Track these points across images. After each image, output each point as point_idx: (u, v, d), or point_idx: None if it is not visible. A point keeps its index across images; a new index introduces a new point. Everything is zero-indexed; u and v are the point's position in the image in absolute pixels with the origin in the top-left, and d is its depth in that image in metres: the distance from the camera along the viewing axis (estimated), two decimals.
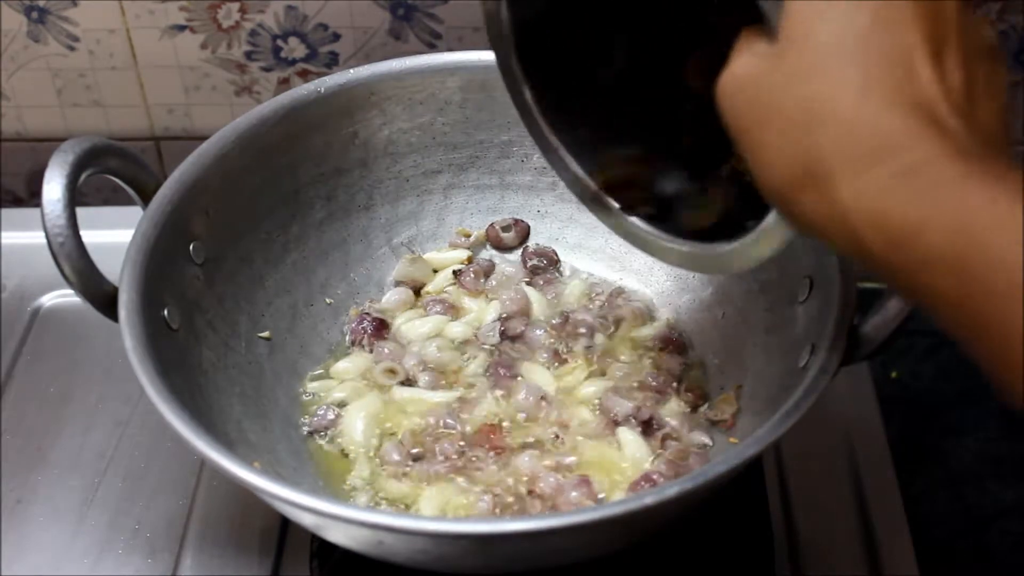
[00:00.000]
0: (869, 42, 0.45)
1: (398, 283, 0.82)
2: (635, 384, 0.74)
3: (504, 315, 0.79)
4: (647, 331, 0.78)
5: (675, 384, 0.75)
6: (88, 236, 0.65)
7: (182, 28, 0.93)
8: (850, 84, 0.45)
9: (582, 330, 0.77)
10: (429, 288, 0.82)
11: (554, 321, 0.78)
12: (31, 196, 1.03)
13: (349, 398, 0.75)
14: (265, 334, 0.75)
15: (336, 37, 0.93)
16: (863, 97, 0.45)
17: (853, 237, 0.45)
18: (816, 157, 0.46)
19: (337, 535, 0.62)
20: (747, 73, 0.48)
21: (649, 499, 0.55)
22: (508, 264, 0.83)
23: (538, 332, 0.77)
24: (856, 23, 0.45)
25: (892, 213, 0.44)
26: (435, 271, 0.83)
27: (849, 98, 0.45)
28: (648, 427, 0.72)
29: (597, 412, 0.73)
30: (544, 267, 0.82)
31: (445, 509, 0.68)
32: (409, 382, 0.76)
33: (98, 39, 0.94)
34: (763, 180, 0.48)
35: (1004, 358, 0.42)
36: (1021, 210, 0.41)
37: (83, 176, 0.66)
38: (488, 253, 0.84)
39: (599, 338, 0.77)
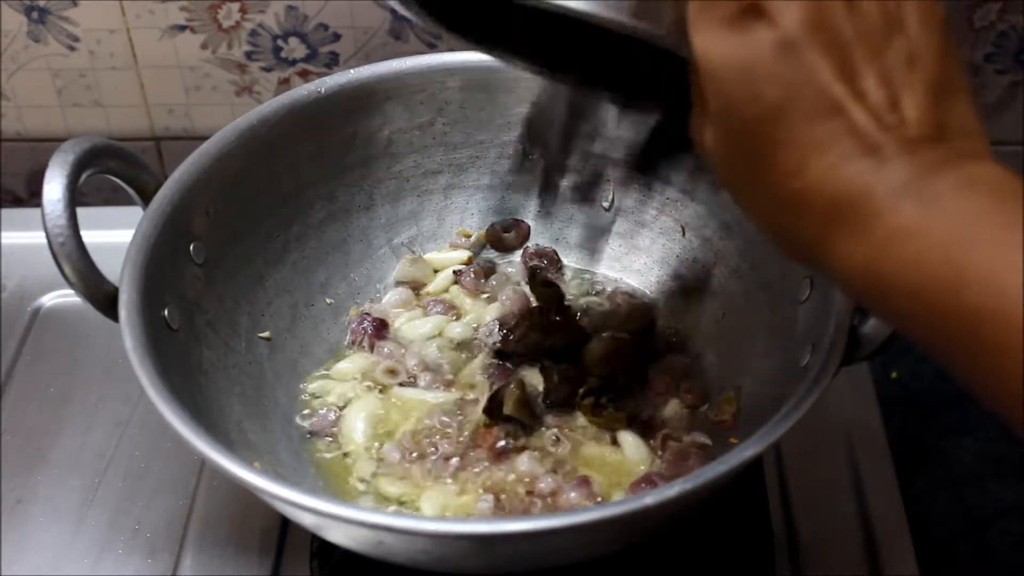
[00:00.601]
0: (786, 111, 0.44)
1: (398, 283, 0.82)
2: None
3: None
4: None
5: (675, 384, 0.75)
6: (88, 236, 0.65)
7: (182, 28, 0.93)
8: (788, 161, 0.45)
9: None
10: (429, 288, 0.82)
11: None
12: (31, 196, 1.03)
13: (349, 398, 0.75)
14: (265, 334, 0.75)
15: (336, 37, 0.93)
16: (803, 170, 0.45)
17: (856, 297, 0.47)
18: (795, 238, 0.47)
19: (337, 535, 0.62)
20: (708, 148, 0.48)
21: (649, 499, 0.55)
22: (508, 264, 0.83)
23: None
24: (766, 98, 0.44)
25: (869, 272, 0.44)
26: (435, 271, 0.83)
27: (793, 175, 0.45)
28: (648, 427, 0.72)
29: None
30: (544, 267, 0.82)
31: (445, 509, 0.68)
32: (409, 382, 0.76)
33: (98, 39, 0.94)
34: (772, 246, 0.49)
35: (993, 389, 0.43)
36: (956, 231, 0.42)
37: (83, 176, 0.66)
38: (488, 254, 0.84)
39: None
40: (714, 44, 0.45)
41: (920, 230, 0.43)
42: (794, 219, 0.46)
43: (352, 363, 0.77)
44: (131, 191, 0.71)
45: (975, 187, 0.43)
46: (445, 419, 0.72)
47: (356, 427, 0.73)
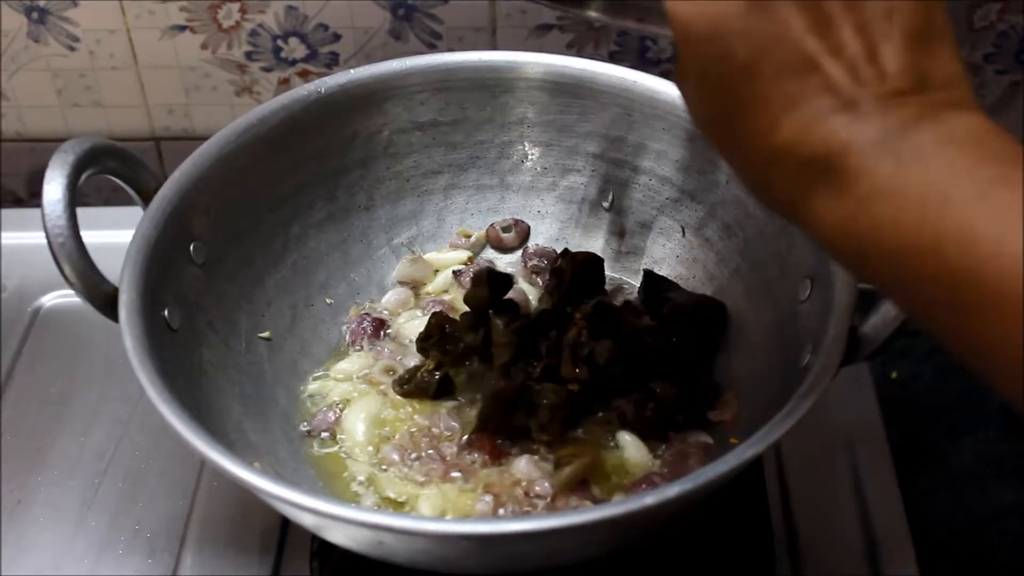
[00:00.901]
0: (757, 68, 0.43)
1: (398, 283, 0.82)
2: None
3: None
4: None
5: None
6: (88, 236, 0.65)
7: (182, 28, 0.93)
8: (761, 119, 0.44)
9: None
10: (429, 288, 0.82)
11: None
12: (31, 196, 1.03)
13: (349, 399, 0.75)
14: (265, 334, 0.75)
15: (336, 37, 0.93)
16: (775, 128, 0.44)
17: (837, 255, 0.46)
18: (774, 194, 0.46)
19: (337, 535, 0.62)
20: (690, 106, 0.47)
21: (649, 499, 0.55)
22: (508, 265, 0.83)
23: None
24: (737, 55, 0.43)
25: (847, 232, 0.43)
26: (435, 271, 0.83)
27: (765, 134, 0.44)
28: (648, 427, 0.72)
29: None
30: (544, 267, 0.82)
31: (444, 510, 0.68)
32: None
33: (98, 39, 0.94)
34: (754, 200, 0.48)
35: (969, 346, 0.42)
36: (934, 190, 0.41)
37: (83, 176, 0.66)
38: (488, 254, 0.84)
39: None
40: (685, 2, 0.44)
41: (897, 189, 0.41)
42: (770, 177, 0.45)
43: (352, 363, 0.77)
44: (131, 191, 0.71)
45: (956, 142, 0.42)
46: (444, 420, 0.72)
47: (356, 427, 0.73)
